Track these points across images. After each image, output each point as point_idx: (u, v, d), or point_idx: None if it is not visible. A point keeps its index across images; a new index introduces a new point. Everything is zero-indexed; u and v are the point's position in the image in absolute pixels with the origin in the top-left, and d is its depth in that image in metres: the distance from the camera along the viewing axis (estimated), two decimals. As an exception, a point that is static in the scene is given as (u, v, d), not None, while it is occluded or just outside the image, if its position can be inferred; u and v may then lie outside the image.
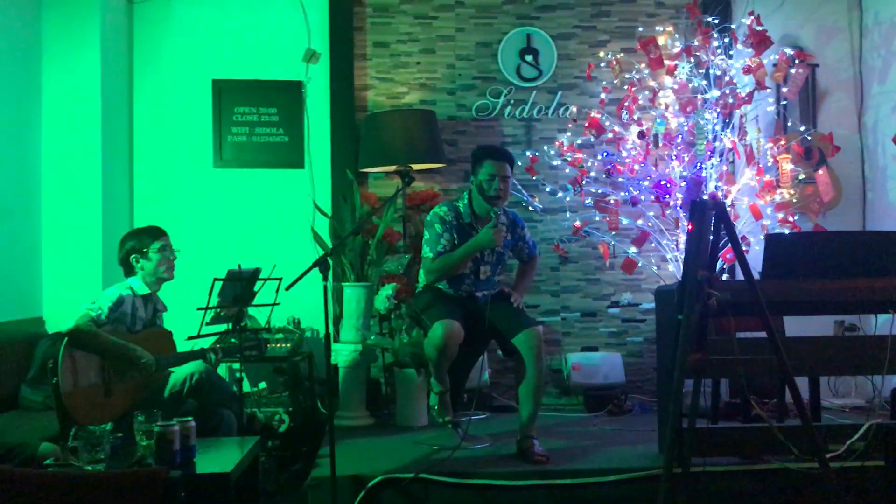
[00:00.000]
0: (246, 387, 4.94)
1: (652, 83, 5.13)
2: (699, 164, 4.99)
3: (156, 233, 3.85)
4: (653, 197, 4.99)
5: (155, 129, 5.27)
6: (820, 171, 5.13)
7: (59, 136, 4.72)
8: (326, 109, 5.31)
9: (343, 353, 4.65)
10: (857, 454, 3.48)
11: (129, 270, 3.80)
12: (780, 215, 4.91)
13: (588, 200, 5.21)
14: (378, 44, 5.42)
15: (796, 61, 5.05)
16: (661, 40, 5.06)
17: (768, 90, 5.09)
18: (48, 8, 4.73)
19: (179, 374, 3.68)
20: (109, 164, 4.86)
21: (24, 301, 4.51)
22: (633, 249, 5.16)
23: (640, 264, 5.25)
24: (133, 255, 3.77)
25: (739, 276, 4.98)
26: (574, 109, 5.41)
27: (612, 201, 5.12)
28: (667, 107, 5.04)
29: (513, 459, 3.78)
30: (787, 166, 4.96)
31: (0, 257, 4.27)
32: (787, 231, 4.82)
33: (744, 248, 4.75)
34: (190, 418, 2.77)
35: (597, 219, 5.24)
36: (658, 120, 5.01)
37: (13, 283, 4.41)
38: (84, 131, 4.73)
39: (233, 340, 3.90)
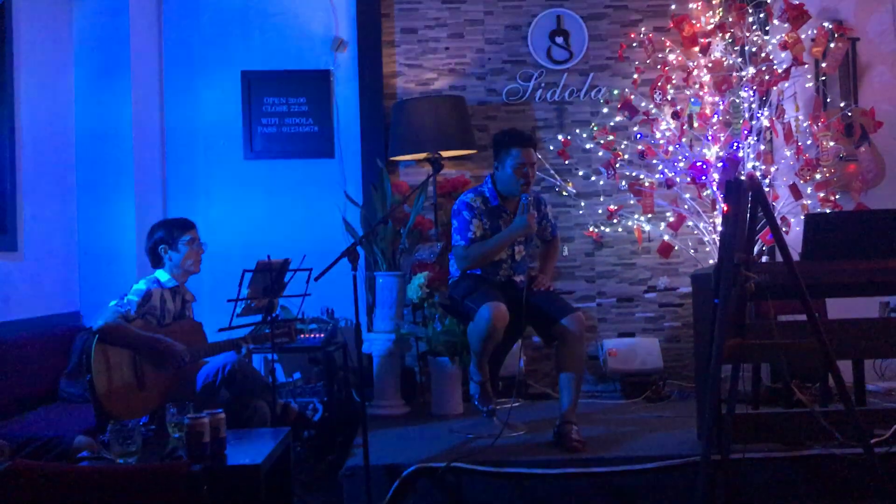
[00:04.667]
0: (281, 377, 4.96)
1: (686, 62, 5.02)
2: (736, 144, 4.88)
3: (186, 225, 3.84)
4: (689, 179, 4.89)
5: (186, 122, 5.29)
6: (862, 148, 4.99)
7: (92, 129, 4.77)
8: (355, 98, 5.28)
9: (377, 343, 4.64)
10: (904, 439, 3.38)
11: (156, 261, 3.80)
12: (821, 194, 4.78)
13: (622, 184, 5.12)
14: (406, 30, 5.37)
15: (836, 35, 4.90)
16: (694, 18, 4.95)
17: (806, 66, 4.95)
18: (78, 6, 4.77)
19: (212, 365, 3.68)
20: (142, 157, 4.89)
21: (61, 295, 4.57)
22: (668, 234, 5.07)
23: (676, 248, 5.15)
24: (162, 246, 3.77)
25: (780, 257, 4.87)
26: (606, 91, 5.32)
27: (647, 184, 5.03)
28: (702, 86, 4.93)
29: (549, 448, 3.73)
30: (828, 144, 4.82)
31: (36, 253, 4.32)
32: (828, 210, 4.69)
33: (784, 229, 4.66)
34: (220, 410, 2.77)
35: (631, 202, 5.15)
36: (692, 99, 4.90)
37: (50, 278, 4.47)
38: (116, 124, 4.77)
39: (266, 331, 3.89)
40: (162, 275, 3.76)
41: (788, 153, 4.89)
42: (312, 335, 4.69)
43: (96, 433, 3.24)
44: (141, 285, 3.67)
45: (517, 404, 4.75)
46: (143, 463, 2.51)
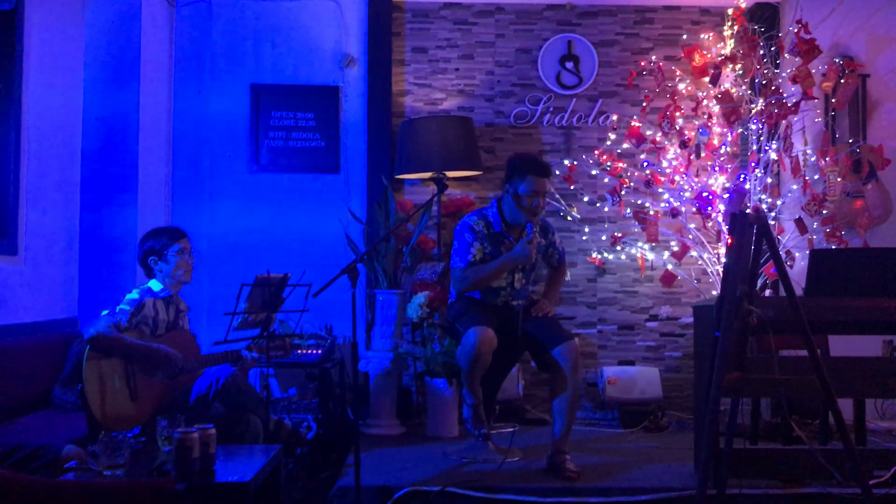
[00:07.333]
0: (277, 392, 4.92)
1: (695, 92, 5.02)
2: (743, 176, 4.86)
3: (176, 234, 3.74)
4: (694, 208, 4.87)
5: (193, 132, 5.29)
6: (869, 185, 4.97)
7: (99, 136, 4.77)
8: (363, 115, 5.29)
9: (374, 361, 4.61)
10: (904, 481, 3.33)
11: (148, 271, 3.76)
12: (827, 230, 4.75)
13: (627, 211, 5.10)
14: (416, 49, 5.38)
15: (846, 71, 4.89)
16: (705, 48, 4.95)
17: (815, 100, 4.94)
18: (91, 10, 4.78)
19: (206, 377, 3.64)
20: (147, 166, 4.89)
21: (59, 301, 4.55)
22: (672, 263, 5.05)
23: (679, 277, 5.13)
24: (151, 257, 3.70)
25: (783, 292, 4.83)
26: (615, 118, 5.30)
27: (651, 212, 5.01)
28: (710, 116, 4.92)
29: (544, 475, 3.69)
30: (836, 179, 4.80)
31: (36, 258, 4.31)
32: (833, 246, 4.66)
33: (788, 264, 4.63)
34: (210, 425, 2.73)
35: (635, 230, 5.13)
36: (701, 129, 4.89)
37: (49, 283, 4.45)
38: (123, 132, 4.77)
39: (262, 344, 3.86)
40: (155, 284, 3.71)
41: (795, 187, 4.87)
42: (310, 351, 4.66)
43: (87, 442, 3.20)
44: (133, 295, 3.62)
45: (513, 429, 4.72)
46: (130, 476, 2.47)
